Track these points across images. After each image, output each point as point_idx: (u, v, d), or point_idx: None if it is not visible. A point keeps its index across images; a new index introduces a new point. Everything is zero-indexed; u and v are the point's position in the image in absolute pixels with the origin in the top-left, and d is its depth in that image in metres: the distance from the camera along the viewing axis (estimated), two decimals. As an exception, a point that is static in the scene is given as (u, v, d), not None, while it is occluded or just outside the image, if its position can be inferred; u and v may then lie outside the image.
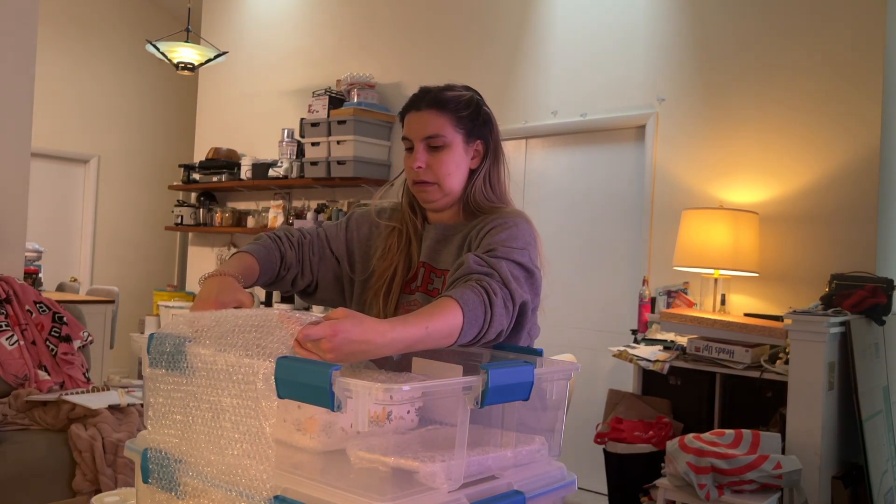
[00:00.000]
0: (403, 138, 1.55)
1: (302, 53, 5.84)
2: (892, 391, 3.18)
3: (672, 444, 2.70)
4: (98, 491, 2.39)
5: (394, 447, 0.92)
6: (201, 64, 5.12)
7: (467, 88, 1.58)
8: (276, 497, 0.86)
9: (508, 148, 4.56)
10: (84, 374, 3.17)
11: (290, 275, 1.56)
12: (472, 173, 1.55)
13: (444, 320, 1.16)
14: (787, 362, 2.86)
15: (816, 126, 3.45)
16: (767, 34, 3.61)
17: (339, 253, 1.62)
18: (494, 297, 1.24)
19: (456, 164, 1.52)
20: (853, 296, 2.93)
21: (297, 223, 5.38)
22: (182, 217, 6.30)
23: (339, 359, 1.01)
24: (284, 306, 5.23)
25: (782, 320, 2.95)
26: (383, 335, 1.06)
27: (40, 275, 4.54)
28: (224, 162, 5.95)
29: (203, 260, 6.53)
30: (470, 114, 1.53)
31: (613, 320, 4.08)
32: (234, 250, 1.59)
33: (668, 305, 3.60)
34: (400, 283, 1.55)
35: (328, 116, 5.11)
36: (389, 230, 1.61)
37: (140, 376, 5.62)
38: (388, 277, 1.55)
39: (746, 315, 3.39)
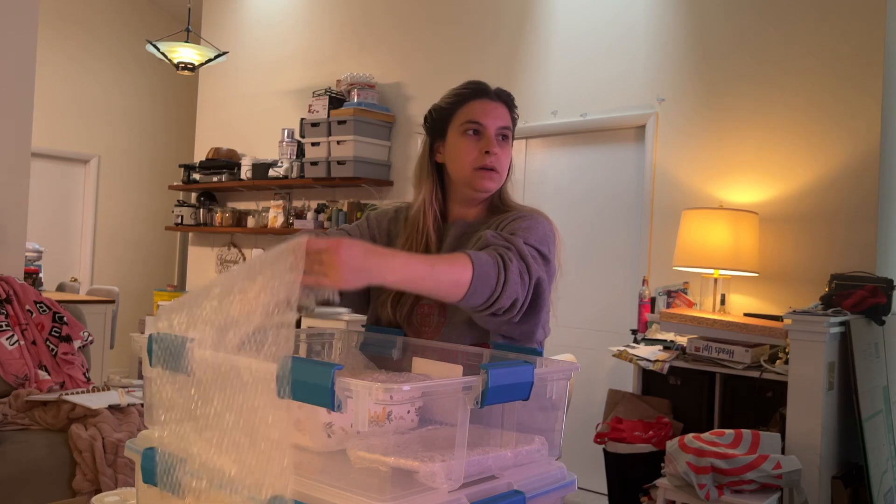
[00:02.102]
0: (468, 122, 1.51)
1: (302, 53, 5.84)
2: (892, 391, 3.18)
3: (672, 444, 2.70)
4: (98, 491, 2.39)
5: (394, 447, 0.92)
6: (201, 64, 5.12)
7: None
8: (275, 497, 0.86)
9: (508, 148, 4.56)
10: (84, 374, 3.17)
11: None
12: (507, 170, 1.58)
13: (451, 268, 1.15)
14: (787, 362, 2.86)
15: (816, 126, 3.45)
16: (767, 34, 3.61)
17: None
18: (510, 263, 1.24)
19: (510, 160, 1.57)
20: (853, 296, 2.93)
21: (298, 223, 5.38)
22: (182, 217, 6.30)
23: (341, 278, 0.97)
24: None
25: (782, 320, 2.95)
26: (387, 258, 1.06)
27: (40, 275, 4.54)
28: (224, 162, 5.95)
29: (203, 260, 6.53)
30: (516, 116, 1.59)
31: (613, 320, 4.08)
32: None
33: (668, 305, 3.60)
34: None
35: (328, 116, 5.11)
36: (409, 228, 1.56)
37: (140, 376, 5.62)
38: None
39: (746, 315, 3.39)
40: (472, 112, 1.52)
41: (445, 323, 1.45)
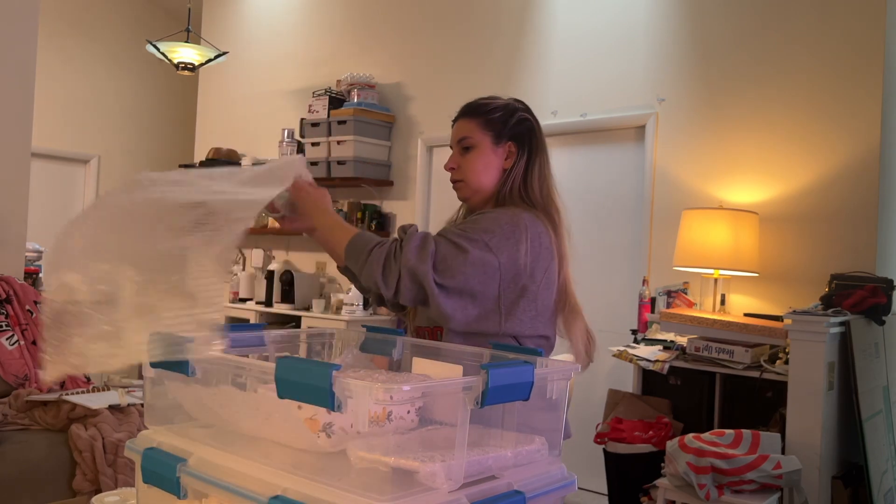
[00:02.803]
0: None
1: (302, 53, 5.84)
2: (892, 391, 3.18)
3: (672, 444, 2.70)
4: (98, 491, 2.39)
5: (394, 447, 0.92)
6: (201, 64, 5.12)
7: (514, 100, 1.73)
8: (275, 497, 0.86)
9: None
10: (84, 374, 3.17)
11: None
12: (507, 172, 1.67)
13: (341, 235, 1.52)
14: (786, 362, 2.86)
15: (816, 126, 3.45)
16: (767, 34, 3.61)
17: None
18: (379, 248, 1.47)
19: (484, 164, 1.67)
20: (853, 296, 2.93)
21: (298, 223, 5.38)
22: (182, 217, 6.29)
23: (295, 209, 1.50)
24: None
25: (782, 320, 2.95)
26: (323, 215, 1.51)
27: (41, 275, 4.54)
28: (224, 162, 5.95)
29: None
30: (500, 116, 1.67)
31: (613, 320, 4.08)
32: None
33: (668, 305, 3.60)
34: None
35: (328, 116, 5.11)
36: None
37: (140, 376, 5.62)
38: None
39: (746, 315, 3.39)
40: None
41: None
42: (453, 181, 1.71)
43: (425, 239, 1.48)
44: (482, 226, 1.54)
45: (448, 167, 1.70)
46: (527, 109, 1.72)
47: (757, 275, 3.46)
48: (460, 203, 1.78)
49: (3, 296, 3.10)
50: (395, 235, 1.53)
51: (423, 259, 1.44)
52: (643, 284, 3.71)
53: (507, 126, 1.67)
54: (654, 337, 3.43)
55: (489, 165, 1.66)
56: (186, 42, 5.02)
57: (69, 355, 0.97)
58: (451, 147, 1.73)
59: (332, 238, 1.52)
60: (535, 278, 1.56)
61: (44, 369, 0.97)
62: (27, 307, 3.16)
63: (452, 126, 1.74)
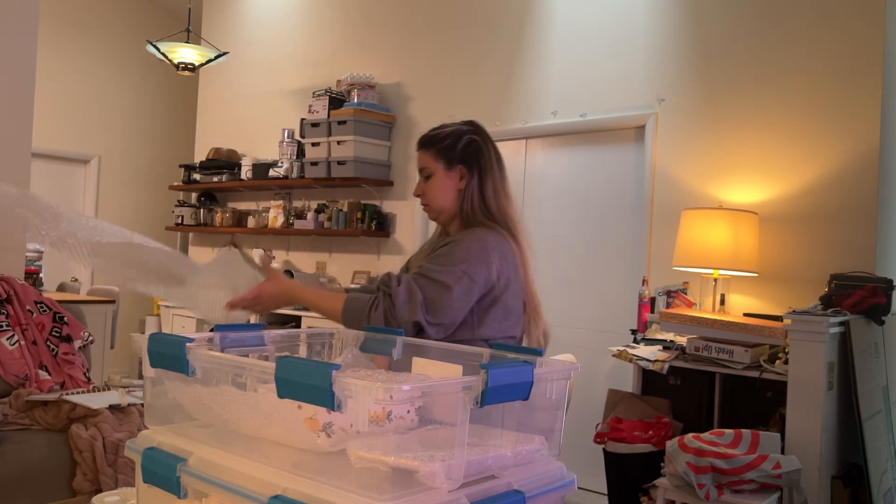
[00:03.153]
0: None
1: (302, 54, 5.84)
2: (892, 391, 3.18)
3: (672, 444, 2.70)
4: (98, 491, 2.39)
5: (394, 447, 0.92)
6: (202, 64, 5.12)
7: (463, 123, 1.95)
8: (275, 496, 0.86)
9: (508, 148, 4.55)
10: (85, 373, 3.18)
11: None
12: (463, 192, 1.89)
13: (329, 306, 1.76)
14: (786, 362, 2.86)
15: (816, 126, 3.45)
16: (767, 34, 3.61)
17: None
18: (374, 312, 1.69)
19: (441, 188, 1.91)
20: (853, 296, 2.93)
21: (298, 223, 5.39)
22: (182, 217, 6.30)
23: (265, 310, 1.76)
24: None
25: (782, 320, 2.95)
26: (299, 293, 1.79)
27: (41, 275, 4.54)
28: (224, 162, 5.96)
29: (203, 260, 6.52)
30: (449, 144, 1.90)
31: (613, 320, 4.08)
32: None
33: (668, 305, 3.60)
34: None
35: (328, 117, 5.11)
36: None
37: (140, 376, 5.62)
38: None
39: (746, 315, 3.39)
40: None
41: None
42: (422, 205, 1.97)
43: (410, 290, 1.69)
44: (456, 256, 1.75)
45: (415, 194, 1.96)
46: (475, 131, 1.93)
47: (756, 275, 3.46)
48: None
49: (4, 296, 3.11)
50: (379, 283, 1.75)
51: (415, 311, 1.68)
52: (643, 284, 3.71)
53: (455, 151, 1.89)
54: (653, 337, 3.43)
55: (446, 188, 1.90)
56: (186, 42, 5.03)
57: None
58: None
59: (323, 308, 1.78)
60: (504, 289, 1.79)
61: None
62: (27, 307, 3.17)
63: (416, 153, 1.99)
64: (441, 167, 1.90)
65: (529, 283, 1.88)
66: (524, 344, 1.90)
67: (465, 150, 1.90)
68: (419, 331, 1.70)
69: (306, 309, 5.22)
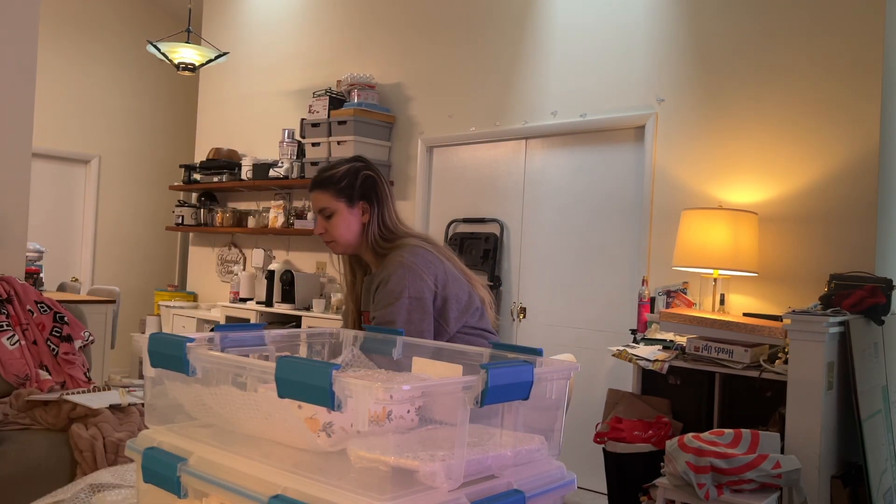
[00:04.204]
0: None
1: (302, 54, 5.84)
2: (892, 391, 3.18)
3: (671, 444, 2.70)
4: (99, 490, 2.39)
5: (393, 447, 0.93)
6: (202, 64, 5.13)
7: (352, 160, 2.06)
8: (275, 496, 0.86)
9: (508, 148, 4.56)
10: (85, 373, 3.18)
11: None
12: (366, 226, 2.02)
13: None
14: (786, 362, 2.86)
15: (816, 126, 3.46)
16: (767, 35, 3.61)
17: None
18: None
19: (346, 226, 2.02)
20: (852, 296, 2.94)
21: (298, 223, 5.39)
22: (183, 217, 6.31)
23: None
24: (286, 305, 5.24)
25: (781, 320, 2.95)
26: None
27: (41, 275, 4.55)
28: (225, 162, 5.96)
29: (204, 260, 6.54)
30: (347, 183, 2.01)
31: (613, 320, 4.09)
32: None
33: (668, 305, 3.60)
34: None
35: (328, 117, 5.11)
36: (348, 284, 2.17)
37: (141, 376, 5.63)
38: (350, 325, 2.09)
39: (746, 315, 3.39)
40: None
41: None
42: (325, 242, 2.06)
43: None
44: (393, 294, 1.88)
45: (317, 233, 2.05)
46: (366, 165, 2.05)
47: (756, 275, 3.46)
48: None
49: (4, 296, 3.11)
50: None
51: None
52: (643, 284, 3.72)
53: (356, 189, 2.01)
54: (653, 337, 3.43)
55: (351, 225, 2.02)
56: (187, 42, 5.03)
57: None
58: (315, 214, 2.08)
59: None
60: (444, 285, 1.93)
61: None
62: (28, 307, 3.17)
63: (310, 194, 2.06)
64: (343, 205, 2.01)
65: (456, 263, 2.02)
66: (489, 312, 2.06)
67: (363, 187, 2.03)
68: None
69: (307, 308, 5.25)
